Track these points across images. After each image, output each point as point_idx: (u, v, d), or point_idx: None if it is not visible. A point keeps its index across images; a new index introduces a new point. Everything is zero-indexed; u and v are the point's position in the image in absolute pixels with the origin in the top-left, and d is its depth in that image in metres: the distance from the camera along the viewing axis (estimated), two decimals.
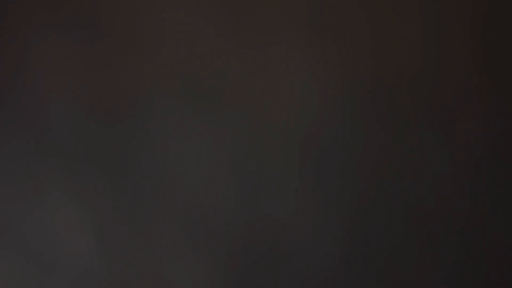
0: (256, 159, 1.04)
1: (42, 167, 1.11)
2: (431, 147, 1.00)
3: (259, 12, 0.99)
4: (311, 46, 0.99)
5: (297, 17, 0.98)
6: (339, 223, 1.05)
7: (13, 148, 1.11)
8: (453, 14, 0.95)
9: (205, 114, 1.04)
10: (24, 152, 1.11)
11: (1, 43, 1.09)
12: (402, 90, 0.98)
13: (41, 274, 1.15)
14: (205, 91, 1.03)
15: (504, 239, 1.01)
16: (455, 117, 0.98)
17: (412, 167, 1.01)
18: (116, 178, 1.09)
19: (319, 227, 1.05)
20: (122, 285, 1.13)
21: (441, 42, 0.96)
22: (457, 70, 0.97)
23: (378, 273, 1.05)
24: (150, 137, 1.07)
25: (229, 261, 1.09)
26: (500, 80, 0.96)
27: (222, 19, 1.00)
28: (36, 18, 1.06)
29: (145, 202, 1.09)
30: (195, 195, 1.08)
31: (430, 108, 0.98)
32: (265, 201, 1.06)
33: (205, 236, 1.09)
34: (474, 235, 1.02)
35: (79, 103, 1.08)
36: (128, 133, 1.07)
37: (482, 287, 1.03)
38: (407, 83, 0.98)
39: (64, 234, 1.13)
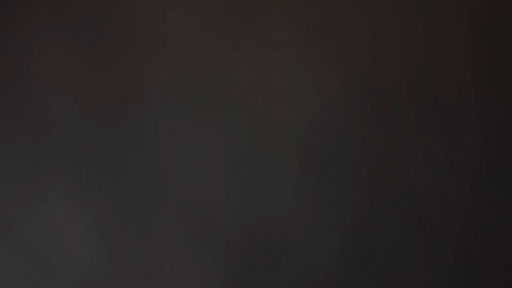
0: (256, 160, 1.05)
1: (42, 167, 1.11)
2: (430, 147, 1.00)
3: (258, 14, 0.99)
4: (310, 47, 0.99)
5: (296, 18, 0.99)
6: (338, 223, 1.05)
7: (13, 148, 1.11)
8: (453, 14, 0.95)
9: (205, 115, 1.04)
10: (24, 152, 1.11)
11: (2, 43, 1.09)
12: (401, 90, 0.98)
13: (42, 273, 1.15)
14: (205, 92, 1.03)
15: (504, 239, 1.01)
16: (454, 116, 0.98)
17: (411, 167, 1.01)
18: (116, 178, 1.09)
19: (318, 227, 1.05)
20: (122, 284, 1.13)
21: (440, 42, 0.96)
22: (456, 70, 0.97)
23: (377, 272, 1.05)
24: (150, 137, 1.07)
25: (229, 261, 1.09)
26: (499, 80, 0.96)
27: (222, 21, 1.00)
28: (37, 19, 1.06)
29: (145, 202, 1.10)
30: (194, 195, 1.08)
31: (429, 108, 0.98)
32: (264, 201, 1.06)
33: (205, 235, 1.09)
34: (474, 235, 1.02)
35: (80, 103, 1.08)
36: (128, 134, 1.07)
37: (482, 287, 1.03)
38: (406, 83, 0.98)
39: (64, 234, 1.13)
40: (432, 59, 0.97)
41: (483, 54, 0.95)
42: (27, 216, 1.13)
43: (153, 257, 1.11)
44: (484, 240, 1.02)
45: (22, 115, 1.10)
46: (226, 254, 1.09)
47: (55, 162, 1.10)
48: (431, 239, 1.03)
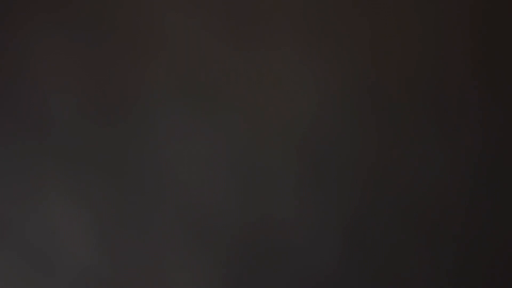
0: (256, 160, 1.05)
1: (42, 167, 1.11)
2: (430, 147, 1.00)
3: (258, 14, 0.99)
4: (310, 47, 0.99)
5: (296, 18, 0.99)
6: (338, 223, 1.05)
7: (13, 148, 1.11)
8: (453, 14, 0.95)
9: (205, 115, 1.04)
10: (24, 152, 1.11)
11: (2, 43, 1.09)
12: (401, 90, 0.98)
13: (42, 274, 1.15)
14: (205, 92, 1.03)
15: (504, 239, 1.01)
16: (454, 116, 0.98)
17: (411, 167, 1.01)
18: (116, 178, 1.09)
19: (318, 227, 1.05)
20: (122, 284, 1.13)
21: (440, 42, 0.96)
22: (456, 70, 0.97)
23: (377, 272, 1.05)
24: (150, 137, 1.07)
25: (229, 261, 1.09)
26: (499, 80, 0.96)
27: (222, 21, 1.00)
28: (37, 19, 1.06)
29: (145, 202, 1.10)
30: (194, 195, 1.08)
31: (429, 108, 0.98)
32: (264, 201, 1.06)
33: (205, 235, 1.09)
34: (474, 235, 1.02)
35: (80, 103, 1.08)
36: (128, 134, 1.07)
37: (482, 287, 1.03)
38: (406, 83, 0.98)
39: (64, 234, 1.13)
40: (432, 59, 0.97)
41: (483, 54, 0.95)
42: (27, 216, 1.13)
43: (153, 257, 1.11)
44: (484, 240, 1.02)
45: (22, 115, 1.10)
46: (226, 254, 1.09)
47: (55, 162, 1.10)
48: (431, 239, 1.03)
